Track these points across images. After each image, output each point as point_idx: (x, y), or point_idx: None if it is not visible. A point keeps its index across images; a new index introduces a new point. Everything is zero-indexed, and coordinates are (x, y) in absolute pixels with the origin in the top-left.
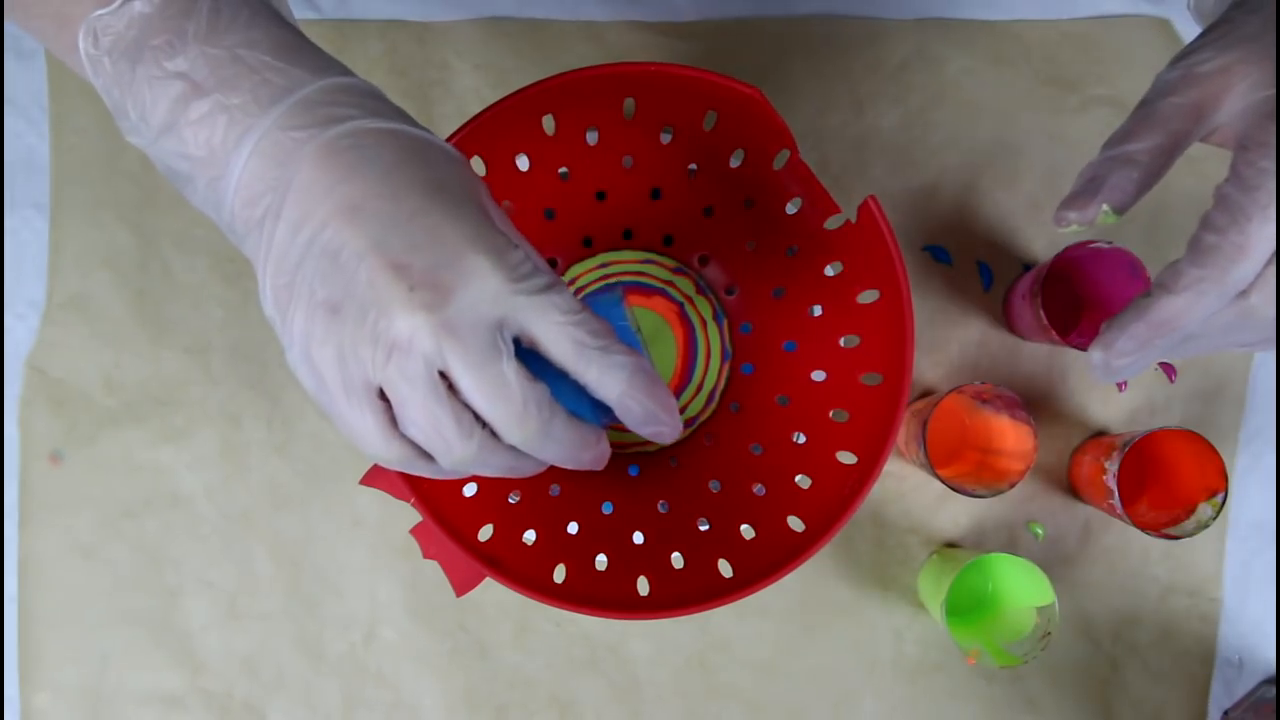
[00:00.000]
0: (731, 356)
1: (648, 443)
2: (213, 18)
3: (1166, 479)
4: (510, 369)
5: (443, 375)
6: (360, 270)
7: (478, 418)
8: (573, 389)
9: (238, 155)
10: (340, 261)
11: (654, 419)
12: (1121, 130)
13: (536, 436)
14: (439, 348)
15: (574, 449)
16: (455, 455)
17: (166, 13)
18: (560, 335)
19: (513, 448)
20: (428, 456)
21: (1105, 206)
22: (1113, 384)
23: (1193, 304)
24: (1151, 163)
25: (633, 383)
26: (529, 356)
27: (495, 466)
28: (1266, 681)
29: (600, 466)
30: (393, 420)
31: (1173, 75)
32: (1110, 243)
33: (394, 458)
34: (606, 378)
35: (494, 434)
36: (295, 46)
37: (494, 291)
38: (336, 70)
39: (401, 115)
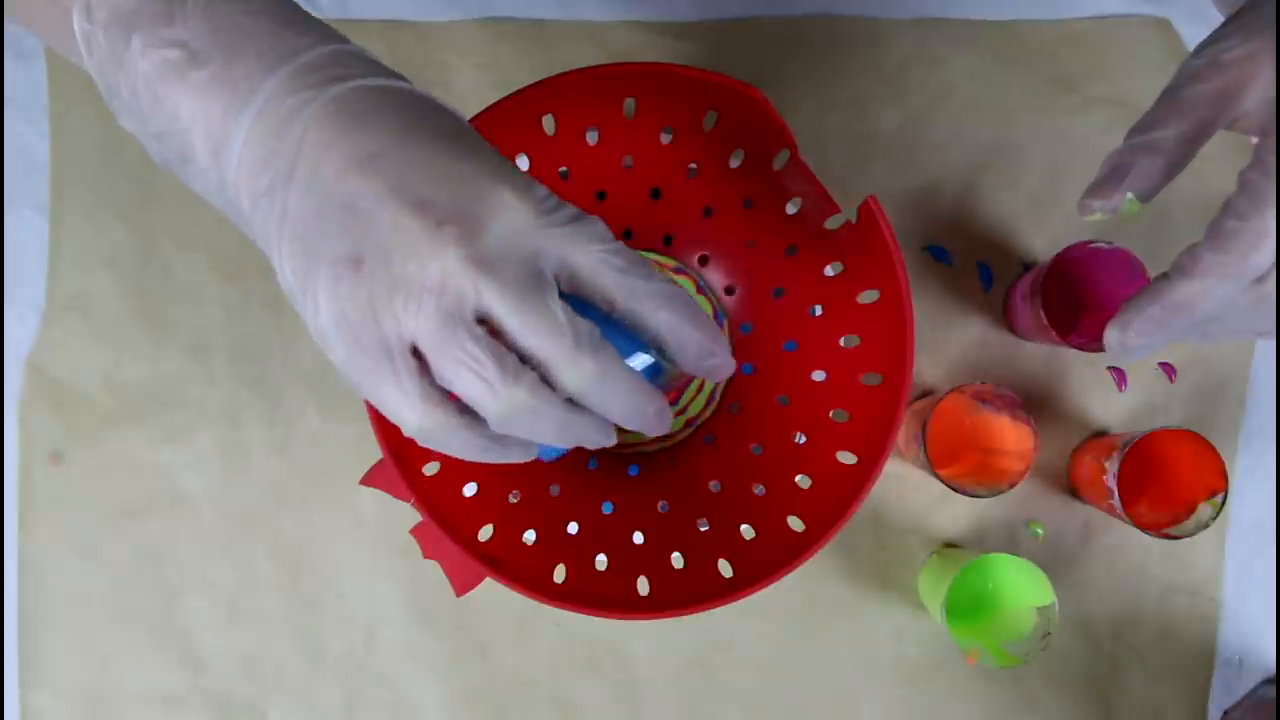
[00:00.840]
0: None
1: (648, 442)
2: None
3: (1166, 479)
4: (557, 304)
5: (482, 323)
6: (381, 215)
7: (523, 363)
8: (614, 339)
9: (240, 122)
10: (359, 211)
11: (708, 351)
12: (1147, 118)
13: (594, 380)
14: (475, 284)
15: (635, 398)
16: (501, 402)
17: None
18: (602, 264)
19: (567, 401)
20: (472, 419)
21: (1130, 194)
22: (1114, 380)
23: (1210, 289)
24: (1176, 150)
25: (683, 311)
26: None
27: (552, 422)
28: (1266, 681)
29: (665, 428)
30: (431, 381)
31: (1198, 63)
32: (1110, 243)
33: (433, 425)
34: (656, 305)
35: (543, 381)
36: (295, 17)
37: (525, 222)
38: (338, 39)
39: (403, 78)
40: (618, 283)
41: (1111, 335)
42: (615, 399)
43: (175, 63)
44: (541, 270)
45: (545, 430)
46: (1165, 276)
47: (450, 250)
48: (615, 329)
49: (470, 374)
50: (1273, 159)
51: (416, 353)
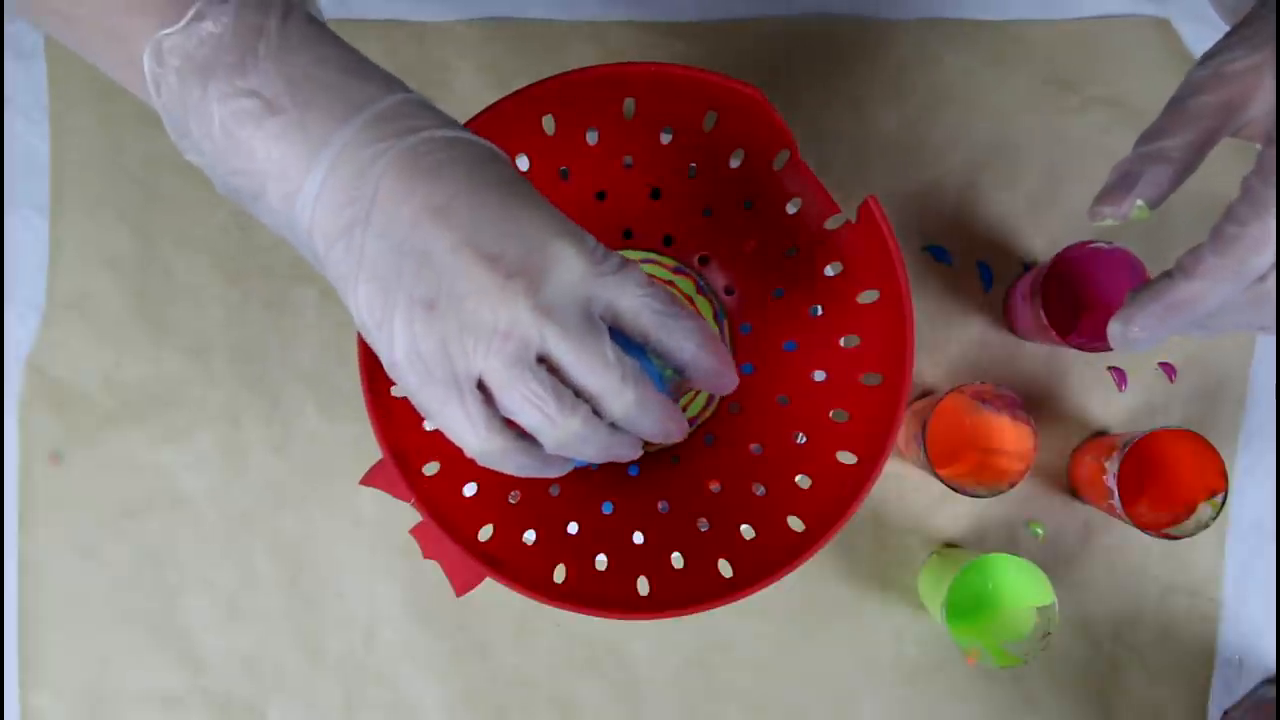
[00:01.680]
0: (732, 356)
1: (648, 443)
2: (282, 38)
3: (1166, 479)
4: (608, 345)
5: (541, 360)
6: (455, 265)
7: (576, 396)
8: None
9: (315, 169)
10: (433, 259)
11: (720, 372)
12: (1154, 127)
13: (635, 406)
14: (540, 330)
15: (664, 418)
16: (559, 431)
17: (237, 32)
18: (642, 306)
19: (610, 426)
20: (528, 444)
21: (1139, 202)
22: (1114, 380)
23: (1210, 290)
24: (1183, 158)
25: (703, 341)
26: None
27: (596, 445)
28: (1266, 681)
29: (683, 436)
30: (494, 411)
31: (1203, 73)
32: (1110, 243)
33: (495, 449)
34: (684, 337)
35: (593, 411)
36: (360, 66)
37: (581, 273)
38: (400, 86)
39: (461, 125)
40: (655, 323)
41: (1115, 329)
42: (648, 420)
43: (251, 111)
44: (593, 314)
45: (590, 452)
46: (1168, 275)
47: (520, 300)
48: (621, 342)
49: (533, 409)
50: (1275, 167)
51: (481, 385)
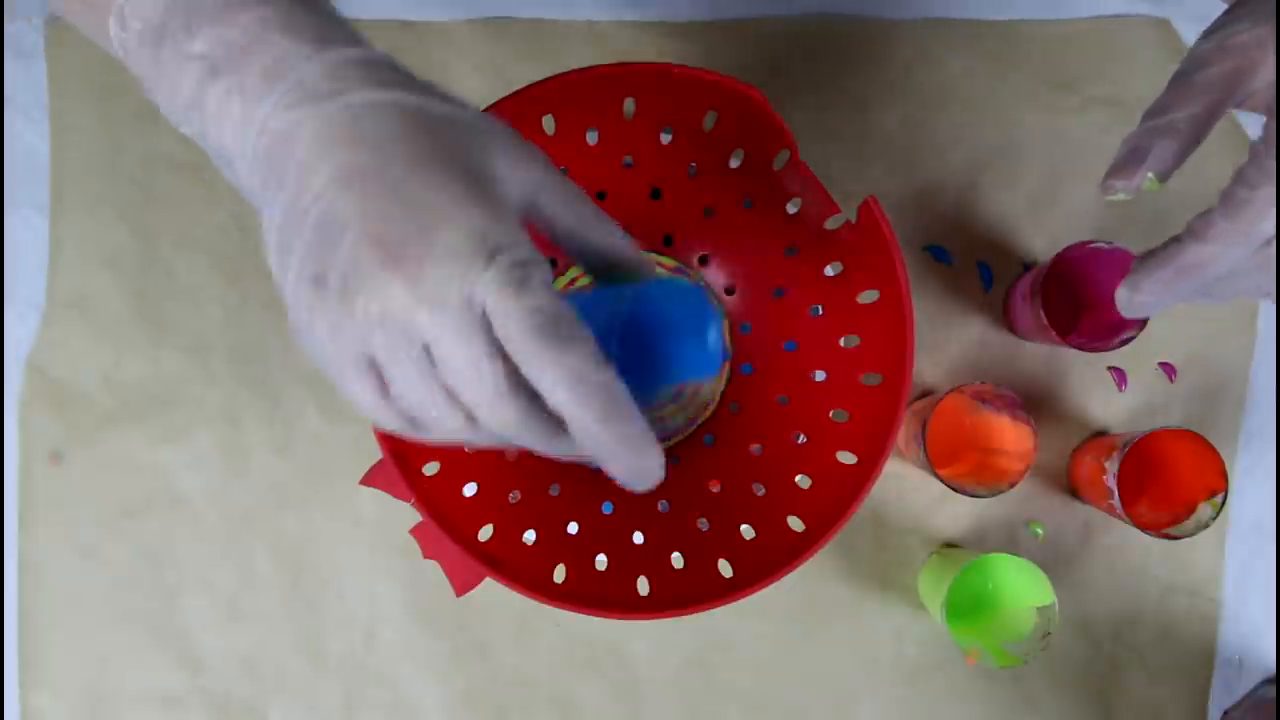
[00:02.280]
0: (731, 356)
1: None
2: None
3: (1166, 479)
4: (486, 352)
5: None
6: (344, 242)
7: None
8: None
9: (248, 133)
10: (326, 235)
11: (610, 451)
12: (1160, 102)
13: (516, 427)
14: (415, 321)
15: (531, 438)
16: (445, 428)
17: None
18: (513, 322)
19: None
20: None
21: (1150, 174)
22: (1114, 380)
23: (1220, 253)
24: (1190, 130)
25: (579, 395)
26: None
27: (486, 440)
28: (1266, 681)
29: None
30: (387, 389)
31: (1207, 46)
32: (1110, 243)
33: (393, 426)
34: (551, 379)
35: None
36: (304, 20)
37: (465, 266)
38: (341, 41)
39: (403, 84)
40: (525, 345)
41: (1122, 294)
42: (531, 442)
43: (199, 75)
44: (475, 315)
45: (481, 444)
46: (1177, 239)
47: (397, 288)
48: (630, 335)
49: (415, 401)
50: None
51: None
